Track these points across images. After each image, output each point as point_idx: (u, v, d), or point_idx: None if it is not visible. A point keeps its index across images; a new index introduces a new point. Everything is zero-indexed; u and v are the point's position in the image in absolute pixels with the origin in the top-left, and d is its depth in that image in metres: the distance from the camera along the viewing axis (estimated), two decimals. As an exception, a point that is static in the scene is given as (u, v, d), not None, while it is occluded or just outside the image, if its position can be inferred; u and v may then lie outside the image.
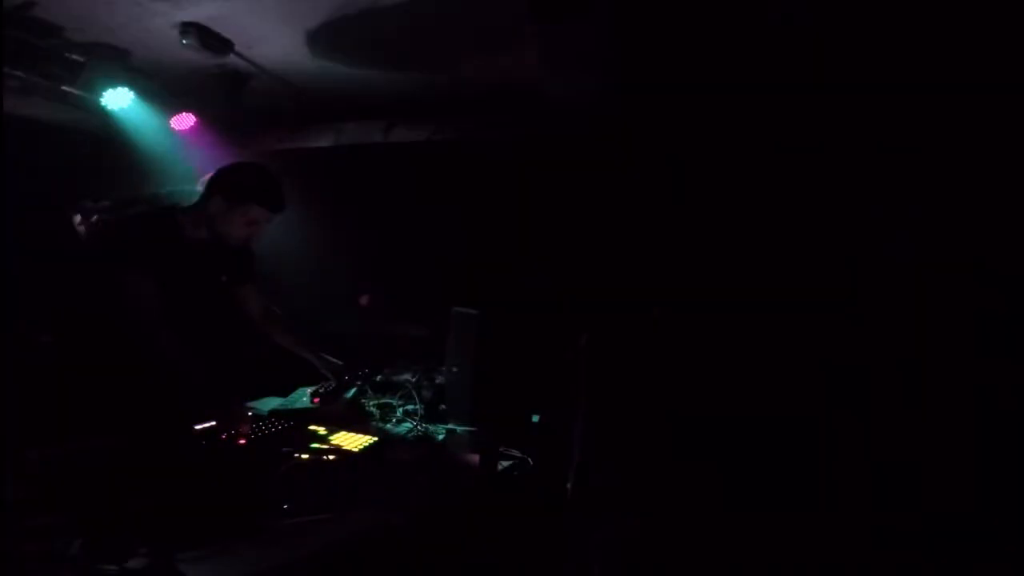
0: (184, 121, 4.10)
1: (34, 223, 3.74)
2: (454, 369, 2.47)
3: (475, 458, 2.11)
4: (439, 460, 2.13)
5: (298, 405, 2.57)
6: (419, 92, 4.13)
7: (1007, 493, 2.66)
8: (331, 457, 1.96)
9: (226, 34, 3.22)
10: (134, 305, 2.18)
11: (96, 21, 3.16)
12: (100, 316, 2.33)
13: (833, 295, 3.22)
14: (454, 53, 3.48)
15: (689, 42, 3.00)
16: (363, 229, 4.61)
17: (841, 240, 3.28)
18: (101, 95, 3.66)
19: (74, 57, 3.39)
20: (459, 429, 2.36)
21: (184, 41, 3.15)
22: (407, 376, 2.75)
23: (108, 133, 4.13)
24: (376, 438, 2.19)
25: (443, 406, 2.53)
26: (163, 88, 3.88)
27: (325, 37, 3.32)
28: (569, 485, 2.38)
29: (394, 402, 2.53)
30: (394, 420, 2.44)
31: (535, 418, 2.46)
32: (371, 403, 2.53)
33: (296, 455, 1.91)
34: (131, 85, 3.70)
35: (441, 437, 2.30)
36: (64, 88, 3.49)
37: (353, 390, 2.62)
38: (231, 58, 3.43)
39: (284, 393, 2.72)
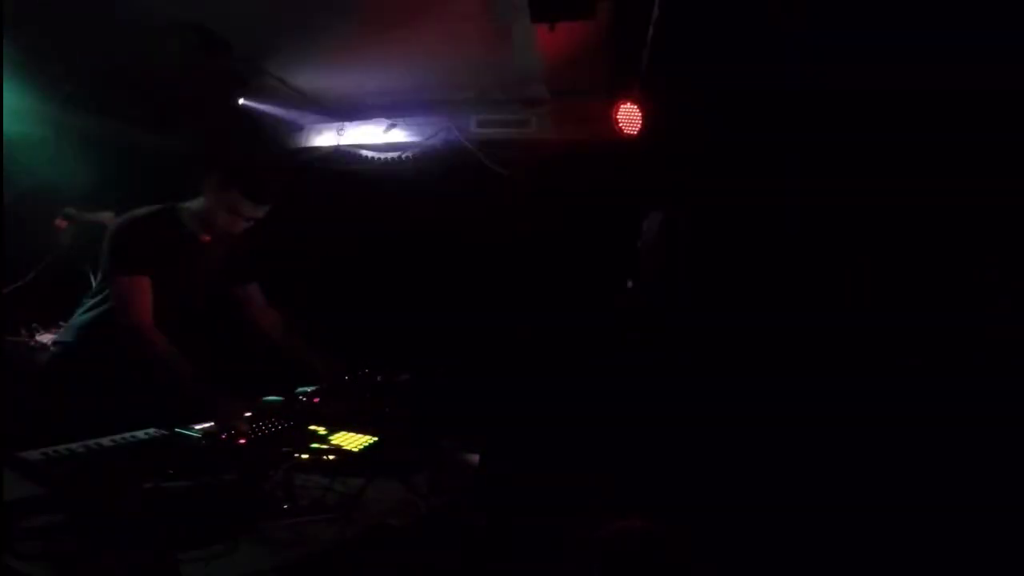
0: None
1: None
2: (454, 368, 2.47)
3: (475, 458, 2.11)
4: (439, 460, 2.13)
5: (299, 406, 2.57)
6: (419, 92, 4.14)
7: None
8: (331, 457, 1.96)
9: (227, 34, 3.23)
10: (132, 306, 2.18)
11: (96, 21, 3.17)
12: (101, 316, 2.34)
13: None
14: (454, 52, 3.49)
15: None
16: (363, 229, 4.61)
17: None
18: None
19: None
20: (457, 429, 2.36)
21: (184, 41, 3.15)
22: (407, 376, 2.74)
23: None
24: (376, 438, 2.19)
25: (441, 407, 2.53)
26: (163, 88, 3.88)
27: (325, 37, 3.33)
28: (569, 486, 2.38)
29: (392, 402, 2.53)
30: (394, 420, 2.44)
31: (535, 417, 2.46)
32: (370, 403, 2.53)
33: (296, 455, 1.91)
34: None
35: (438, 437, 2.30)
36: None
37: (353, 390, 2.61)
38: (231, 59, 3.43)
39: (284, 393, 2.71)
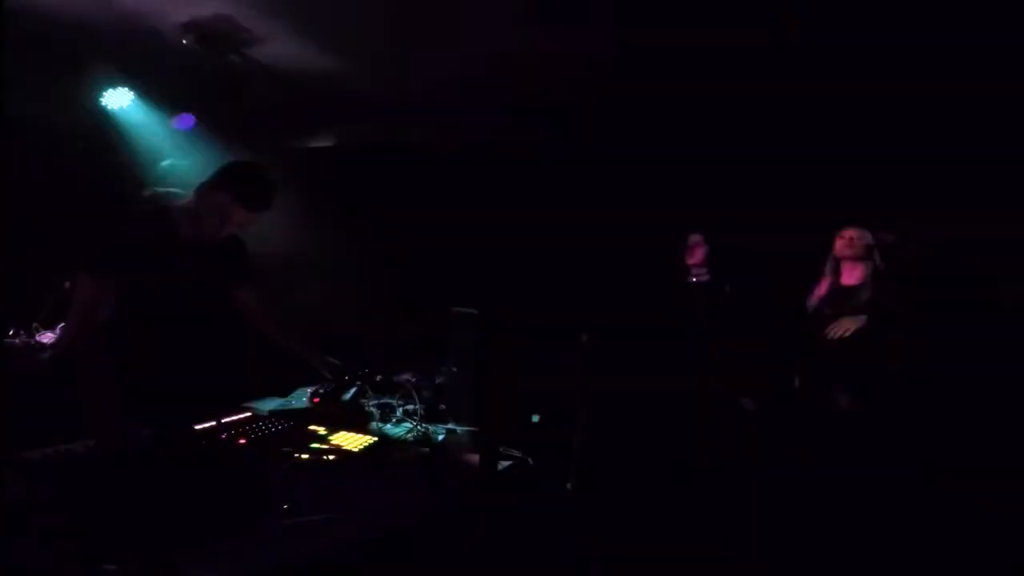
0: (184, 121, 4.10)
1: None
2: (454, 369, 2.47)
3: (475, 458, 2.11)
4: (439, 460, 2.13)
5: (298, 405, 2.57)
6: (419, 92, 4.14)
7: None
8: (331, 457, 1.96)
9: (226, 34, 3.23)
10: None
11: (96, 21, 3.17)
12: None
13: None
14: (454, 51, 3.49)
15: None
16: (363, 228, 4.61)
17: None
18: (101, 95, 3.67)
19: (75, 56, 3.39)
20: (459, 429, 2.36)
21: (184, 41, 3.15)
22: (407, 376, 2.75)
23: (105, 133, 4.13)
24: (376, 438, 2.19)
25: (443, 406, 2.53)
26: (163, 88, 3.88)
27: (324, 37, 3.33)
28: (569, 485, 2.38)
29: (394, 402, 2.53)
30: (394, 420, 2.44)
31: (535, 418, 2.46)
32: (371, 403, 2.53)
33: (296, 455, 1.91)
34: (131, 85, 3.71)
35: (441, 437, 2.30)
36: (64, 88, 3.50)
37: (353, 390, 2.61)
38: (231, 58, 3.43)
39: (284, 393, 2.71)
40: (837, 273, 3.23)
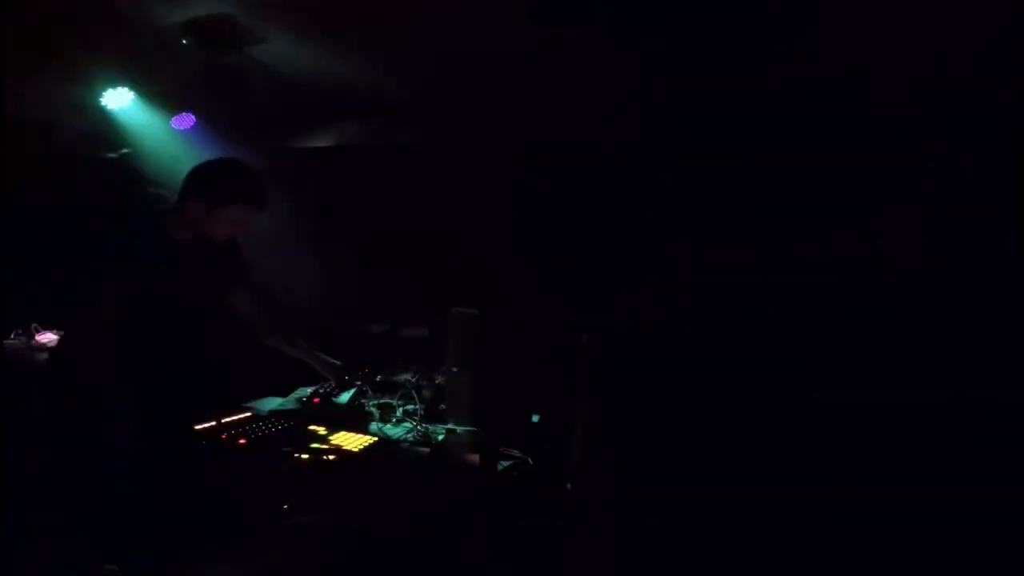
0: (184, 121, 4.10)
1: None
2: (454, 369, 2.47)
3: (475, 458, 2.11)
4: (439, 460, 2.13)
5: (298, 405, 2.57)
6: (419, 92, 4.13)
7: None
8: (331, 457, 1.96)
9: (226, 33, 3.23)
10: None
11: (96, 20, 3.16)
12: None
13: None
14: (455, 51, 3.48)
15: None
16: (363, 228, 4.61)
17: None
18: (101, 95, 3.67)
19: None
20: (459, 429, 2.36)
21: (184, 41, 3.15)
22: (407, 376, 2.75)
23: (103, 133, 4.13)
24: (376, 438, 2.19)
25: (443, 406, 2.53)
26: (163, 88, 3.88)
27: (324, 36, 3.32)
28: (569, 485, 2.38)
29: (394, 402, 2.53)
30: (394, 420, 2.44)
31: (535, 418, 2.46)
32: (371, 403, 2.53)
33: (296, 455, 1.91)
34: (131, 85, 3.70)
35: (441, 437, 2.30)
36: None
37: (352, 390, 2.61)
38: (231, 57, 3.43)
39: (284, 393, 2.71)
40: None
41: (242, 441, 2.02)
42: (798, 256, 3.37)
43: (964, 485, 2.71)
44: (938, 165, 3.12)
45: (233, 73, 3.72)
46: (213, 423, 2.10)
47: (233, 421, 2.20)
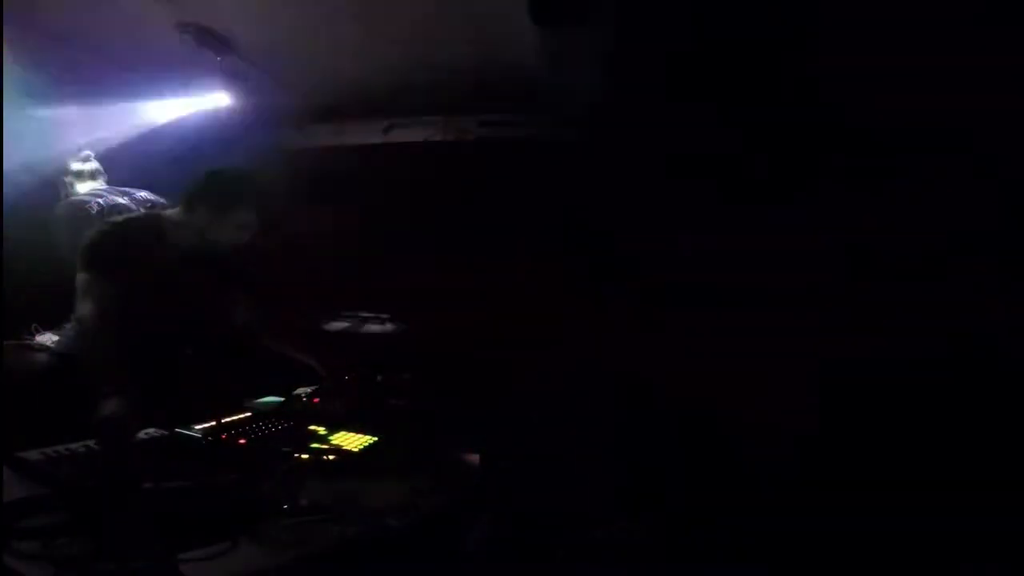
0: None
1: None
2: (445, 367, 2.47)
3: (475, 458, 2.12)
4: (439, 460, 2.13)
5: (297, 405, 2.57)
6: (419, 92, 4.13)
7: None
8: (331, 457, 1.96)
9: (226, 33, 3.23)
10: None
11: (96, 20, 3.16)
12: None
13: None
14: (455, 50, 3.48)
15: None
16: (362, 228, 4.60)
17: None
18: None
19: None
20: (453, 429, 2.36)
21: (184, 40, 3.15)
22: (404, 375, 2.75)
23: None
24: (376, 438, 2.19)
25: (441, 406, 2.53)
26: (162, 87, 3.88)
27: (324, 36, 3.32)
28: (566, 488, 2.38)
29: (388, 400, 2.53)
30: (393, 419, 2.44)
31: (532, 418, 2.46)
32: (369, 403, 2.53)
33: (296, 455, 1.91)
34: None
35: (436, 437, 2.30)
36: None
37: (351, 391, 2.61)
38: (231, 57, 3.43)
39: (284, 393, 2.71)
40: None
41: (242, 441, 2.02)
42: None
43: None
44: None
45: (233, 73, 3.73)
46: (213, 423, 2.10)
47: (233, 421, 2.20)
